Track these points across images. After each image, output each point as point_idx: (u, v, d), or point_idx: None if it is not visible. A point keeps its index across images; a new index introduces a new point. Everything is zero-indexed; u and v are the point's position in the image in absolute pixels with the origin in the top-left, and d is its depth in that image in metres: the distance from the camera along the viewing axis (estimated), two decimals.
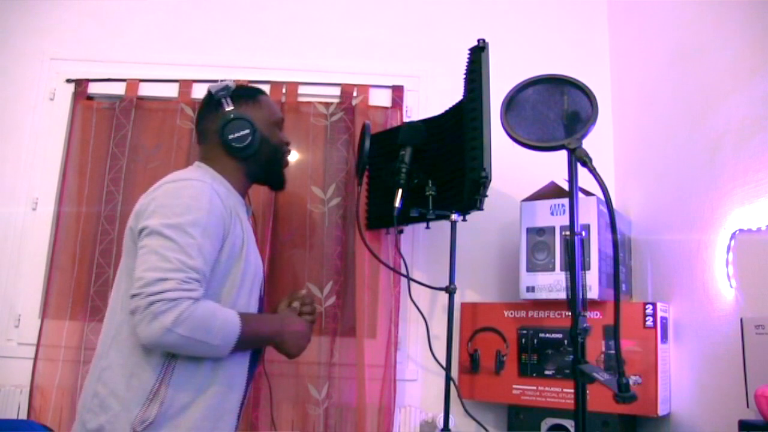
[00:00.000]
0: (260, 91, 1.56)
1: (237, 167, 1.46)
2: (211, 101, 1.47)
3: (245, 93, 1.50)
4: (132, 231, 1.31)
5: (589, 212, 1.74)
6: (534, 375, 1.80)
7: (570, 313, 1.24)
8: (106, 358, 1.29)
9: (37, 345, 2.02)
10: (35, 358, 2.00)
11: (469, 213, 1.77)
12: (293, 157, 2.23)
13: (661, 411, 1.65)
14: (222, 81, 1.47)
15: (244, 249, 1.38)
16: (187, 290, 1.19)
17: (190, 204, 1.28)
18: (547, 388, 1.78)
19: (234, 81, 1.50)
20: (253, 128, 1.43)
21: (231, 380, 1.33)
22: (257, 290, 1.44)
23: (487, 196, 1.69)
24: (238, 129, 1.42)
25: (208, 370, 1.29)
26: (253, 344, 1.38)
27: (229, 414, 1.33)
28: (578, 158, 1.23)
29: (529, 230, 1.84)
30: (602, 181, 1.18)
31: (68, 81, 2.26)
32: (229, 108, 1.44)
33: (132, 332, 1.25)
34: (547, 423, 1.77)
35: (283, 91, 2.22)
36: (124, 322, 1.30)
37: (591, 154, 1.22)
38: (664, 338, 1.71)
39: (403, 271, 1.96)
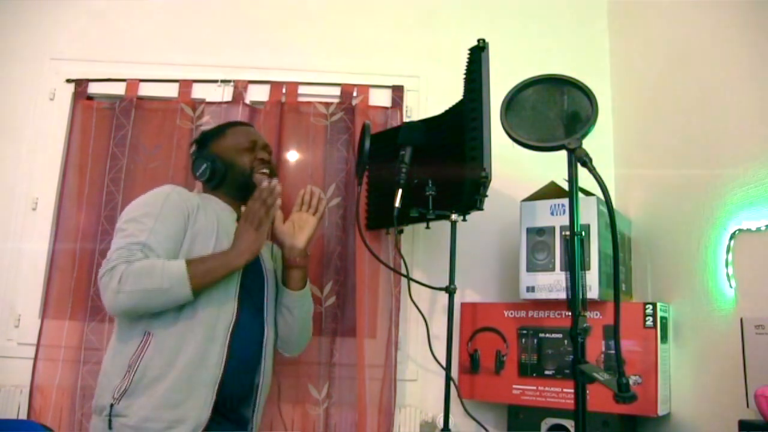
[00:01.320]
0: (231, 125, 1.76)
1: (221, 193, 1.66)
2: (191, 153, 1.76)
3: (211, 132, 1.73)
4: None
5: (589, 212, 1.74)
6: (534, 375, 1.80)
7: (570, 313, 1.24)
8: (105, 361, 1.50)
9: (37, 345, 2.02)
10: (35, 358, 2.00)
11: (469, 213, 1.77)
12: (293, 156, 2.23)
13: (661, 411, 1.65)
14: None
15: (214, 237, 1.51)
16: (125, 257, 1.38)
17: (146, 201, 1.50)
18: (547, 388, 1.78)
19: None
20: (210, 161, 1.62)
21: (201, 355, 1.43)
22: (234, 279, 1.52)
23: (487, 196, 1.69)
24: (197, 167, 1.64)
25: (177, 342, 1.41)
26: (212, 276, 1.45)
27: (202, 388, 1.42)
28: (578, 158, 1.23)
29: (529, 230, 1.84)
30: (602, 181, 1.18)
31: (68, 81, 2.26)
32: (192, 150, 1.76)
33: (118, 321, 1.48)
34: (547, 423, 1.77)
35: (283, 91, 2.22)
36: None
37: (591, 154, 1.22)
38: (664, 338, 1.71)
39: (403, 271, 1.96)
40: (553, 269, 1.77)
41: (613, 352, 1.69)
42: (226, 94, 2.24)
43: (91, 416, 1.45)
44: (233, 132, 1.71)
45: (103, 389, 1.43)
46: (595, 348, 1.72)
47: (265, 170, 1.67)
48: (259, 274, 1.63)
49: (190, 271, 1.39)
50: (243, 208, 1.66)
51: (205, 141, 1.70)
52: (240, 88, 2.22)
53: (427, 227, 1.89)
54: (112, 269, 1.37)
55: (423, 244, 2.17)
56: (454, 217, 1.76)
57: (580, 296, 1.24)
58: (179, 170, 2.14)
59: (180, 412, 1.37)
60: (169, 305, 1.41)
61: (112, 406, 1.37)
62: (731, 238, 1.49)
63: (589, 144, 1.26)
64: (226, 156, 1.65)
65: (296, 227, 1.71)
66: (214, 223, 1.54)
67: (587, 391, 1.23)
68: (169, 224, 1.46)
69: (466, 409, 1.81)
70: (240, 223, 1.53)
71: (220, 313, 1.47)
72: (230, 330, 1.48)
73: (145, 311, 1.41)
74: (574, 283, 1.24)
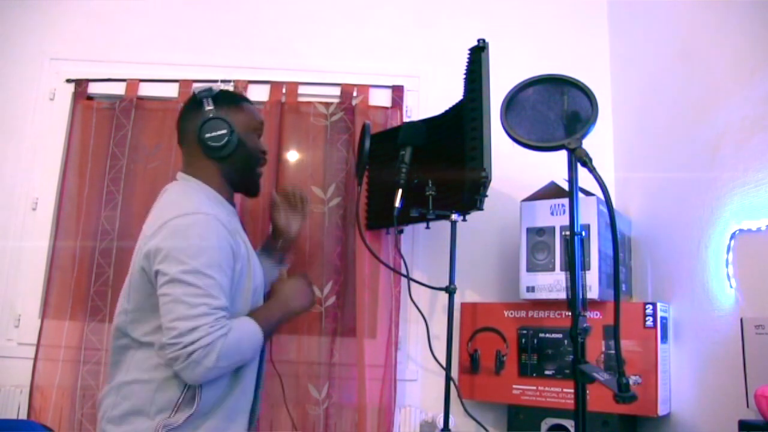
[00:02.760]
0: (244, 99, 1.64)
1: (215, 170, 1.51)
2: (193, 102, 1.52)
3: (227, 97, 1.57)
4: (145, 272, 1.37)
5: (589, 212, 1.74)
6: (534, 375, 1.80)
7: (570, 313, 1.24)
8: (126, 374, 1.39)
9: (37, 345, 2.02)
10: (35, 358, 2.00)
11: (469, 213, 1.77)
12: (293, 157, 2.23)
13: (661, 411, 1.65)
14: (206, 85, 1.54)
15: (250, 267, 1.47)
16: (219, 329, 1.29)
17: (201, 245, 1.33)
18: (547, 388, 1.77)
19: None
20: (230, 129, 1.47)
21: (245, 385, 1.45)
22: (261, 295, 1.56)
23: (487, 196, 1.69)
24: (215, 128, 1.46)
25: (227, 380, 1.40)
26: (273, 333, 1.51)
27: (242, 414, 1.44)
28: (578, 158, 1.23)
29: (529, 230, 1.84)
30: (602, 181, 1.18)
31: (68, 81, 2.26)
32: (209, 108, 1.48)
33: (154, 353, 1.37)
34: (547, 423, 1.77)
35: (283, 91, 2.22)
36: (139, 344, 1.40)
37: (591, 154, 1.22)
38: (664, 338, 1.71)
39: (403, 271, 1.96)
40: (553, 269, 1.77)
41: (613, 352, 1.69)
42: None
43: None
44: (248, 108, 1.58)
45: (137, 426, 1.34)
46: (595, 348, 1.72)
47: (263, 168, 1.62)
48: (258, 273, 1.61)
49: (264, 336, 1.41)
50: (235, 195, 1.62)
51: (218, 101, 1.52)
52: (240, 88, 2.22)
53: (427, 227, 1.89)
54: (209, 346, 1.27)
55: (423, 244, 2.17)
56: (454, 217, 1.76)
57: (580, 296, 1.24)
58: (179, 170, 2.14)
59: None
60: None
61: None
62: (731, 238, 1.49)
63: (589, 144, 1.26)
64: (241, 132, 1.52)
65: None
66: (248, 247, 1.51)
67: (587, 391, 1.23)
68: (228, 271, 1.37)
69: (466, 409, 1.81)
70: (302, 281, 1.62)
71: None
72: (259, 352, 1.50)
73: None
74: (574, 283, 1.24)
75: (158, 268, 1.32)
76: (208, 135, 1.46)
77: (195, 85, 1.53)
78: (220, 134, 1.46)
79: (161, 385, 1.35)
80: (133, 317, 1.40)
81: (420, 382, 2.08)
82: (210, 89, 1.51)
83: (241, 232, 1.51)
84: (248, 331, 1.39)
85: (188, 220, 1.36)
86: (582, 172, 1.26)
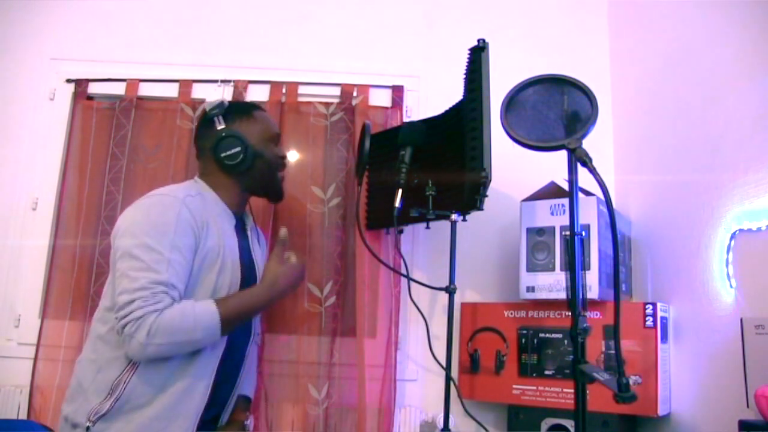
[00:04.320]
0: (255, 107, 1.62)
1: (232, 183, 1.53)
2: (206, 119, 1.53)
3: (238, 110, 1.57)
4: (112, 249, 1.39)
5: (589, 212, 1.74)
6: (534, 375, 1.80)
7: (570, 313, 1.24)
8: (84, 350, 1.42)
9: (37, 345, 2.02)
10: (35, 358, 2.00)
11: (469, 213, 1.77)
12: (293, 157, 2.23)
13: (661, 411, 1.65)
14: (216, 99, 1.53)
15: (218, 261, 1.42)
16: (153, 304, 1.27)
17: (156, 221, 1.35)
18: (547, 388, 1.77)
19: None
20: (244, 145, 1.48)
21: (191, 385, 1.36)
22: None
23: (487, 196, 1.69)
24: (229, 147, 1.48)
25: (171, 370, 1.35)
26: (244, 319, 1.43)
27: (184, 418, 1.36)
28: (578, 158, 1.23)
29: (529, 230, 1.84)
30: (602, 181, 1.18)
31: (68, 81, 2.26)
32: (221, 126, 1.50)
33: (103, 330, 1.38)
34: (547, 423, 1.77)
35: (283, 91, 2.22)
36: (98, 321, 1.41)
37: (591, 154, 1.22)
38: (664, 338, 1.71)
39: (403, 271, 1.96)
40: (553, 269, 1.77)
41: (613, 352, 1.69)
42: (226, 94, 2.23)
43: (60, 419, 1.38)
44: (261, 117, 1.58)
45: (78, 405, 1.34)
46: (595, 348, 1.72)
47: (283, 172, 1.62)
48: (255, 278, 1.57)
49: (221, 318, 1.33)
50: (248, 207, 1.64)
51: (228, 117, 1.53)
52: (240, 88, 2.22)
53: (427, 227, 1.89)
54: (140, 319, 1.25)
55: (423, 244, 2.17)
56: (454, 217, 1.76)
57: (580, 296, 1.24)
58: (179, 170, 2.14)
59: None
60: (198, 348, 1.36)
61: (88, 429, 1.30)
62: (731, 238, 1.49)
63: (589, 144, 1.26)
64: (256, 144, 1.52)
65: None
66: (224, 245, 1.45)
67: (587, 391, 1.23)
68: (185, 252, 1.35)
69: (466, 409, 1.81)
70: (294, 267, 1.50)
71: (215, 345, 1.41)
72: (220, 359, 1.43)
73: (174, 355, 1.34)
74: (574, 283, 1.24)
75: (117, 244, 1.36)
76: (223, 154, 1.48)
77: (207, 101, 1.53)
78: (235, 152, 1.48)
79: (103, 364, 1.35)
80: (106, 291, 1.44)
81: (420, 382, 2.08)
82: (221, 104, 1.52)
83: (224, 230, 1.47)
84: (197, 310, 1.31)
85: (152, 200, 1.40)
86: (582, 172, 1.26)
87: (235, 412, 1.58)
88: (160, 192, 1.42)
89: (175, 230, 1.34)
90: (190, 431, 1.37)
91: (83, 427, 1.31)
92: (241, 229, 1.59)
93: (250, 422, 1.62)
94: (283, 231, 1.51)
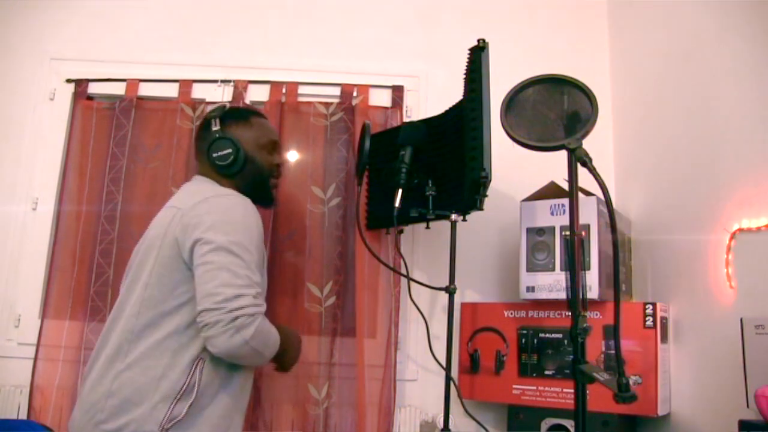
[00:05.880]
0: (254, 113, 1.64)
1: (228, 183, 1.53)
2: (204, 122, 1.58)
3: (235, 114, 1.60)
4: (178, 242, 1.34)
5: (589, 212, 1.74)
6: (534, 375, 1.80)
7: (570, 313, 1.24)
8: (126, 359, 1.32)
9: (37, 345, 2.02)
10: (35, 358, 2.00)
11: (469, 213, 1.77)
12: (293, 156, 2.23)
13: (661, 411, 1.65)
14: (220, 104, 1.58)
15: (264, 267, 1.47)
16: (259, 305, 1.28)
17: (245, 222, 1.37)
18: (547, 388, 1.77)
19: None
20: (236, 148, 1.51)
21: (245, 381, 1.42)
22: None
23: (487, 196, 1.69)
24: (221, 148, 1.51)
25: (227, 370, 1.37)
26: (273, 353, 1.42)
27: (241, 412, 1.42)
28: (578, 158, 1.23)
29: (529, 230, 1.84)
30: (602, 181, 1.18)
31: (68, 81, 2.26)
32: (216, 128, 1.53)
33: (158, 336, 1.32)
34: (547, 423, 1.77)
35: (283, 91, 2.22)
36: (148, 326, 1.33)
37: (591, 154, 1.22)
38: (664, 338, 1.71)
39: (403, 271, 1.96)
40: (553, 269, 1.77)
41: (613, 352, 1.69)
42: (226, 94, 2.24)
43: None
44: (258, 124, 1.60)
45: (141, 415, 1.27)
46: (595, 348, 1.72)
47: (277, 179, 1.63)
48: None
49: (279, 349, 1.40)
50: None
51: (225, 120, 1.55)
52: (240, 88, 2.22)
53: (427, 227, 1.89)
54: (254, 318, 1.25)
55: (423, 244, 2.17)
56: (454, 217, 1.76)
57: (580, 296, 1.24)
58: (179, 170, 2.14)
59: None
60: (251, 365, 1.42)
61: None
62: (731, 238, 1.49)
63: (589, 144, 1.26)
64: (249, 149, 1.54)
65: None
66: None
67: (587, 391, 1.23)
68: (261, 257, 1.40)
69: (466, 409, 1.81)
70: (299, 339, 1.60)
71: None
72: None
73: (241, 363, 1.36)
74: (574, 283, 1.24)
75: (202, 236, 1.30)
76: (215, 155, 1.51)
77: (209, 107, 1.56)
78: (226, 153, 1.50)
79: (166, 371, 1.30)
80: (151, 293, 1.35)
81: (420, 382, 2.08)
82: (222, 108, 1.58)
83: None
84: (275, 334, 1.36)
85: (230, 200, 1.41)
86: (582, 172, 1.26)
87: None
88: (228, 192, 1.44)
89: (257, 233, 1.38)
90: (242, 428, 1.43)
91: None
92: None
93: None
94: None
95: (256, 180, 1.56)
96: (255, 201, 1.60)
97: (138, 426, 1.26)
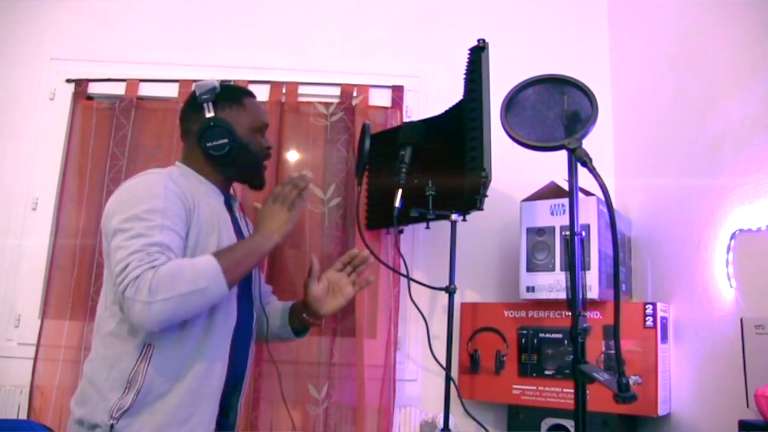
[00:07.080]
0: (246, 93, 1.56)
1: (215, 170, 1.49)
2: (194, 102, 1.48)
3: (229, 96, 1.50)
4: (104, 234, 1.35)
5: (589, 212, 1.74)
6: (534, 375, 1.80)
7: (570, 313, 1.24)
8: (90, 353, 1.37)
9: (37, 345, 2.02)
10: (35, 358, 2.00)
11: (469, 213, 1.77)
12: (293, 156, 2.23)
13: (661, 411, 1.65)
14: (208, 80, 1.46)
15: (216, 230, 1.39)
16: (148, 262, 1.21)
17: (143, 194, 1.31)
18: (547, 388, 1.78)
19: (219, 81, 1.48)
20: (231, 136, 1.43)
21: (209, 367, 1.34)
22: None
23: (487, 196, 1.69)
24: (216, 137, 1.43)
25: (186, 354, 1.32)
26: (244, 266, 1.36)
27: (208, 400, 1.35)
28: (578, 158, 1.23)
29: (529, 230, 1.84)
30: (602, 181, 1.18)
31: (68, 81, 2.26)
32: (210, 114, 1.44)
33: (112, 325, 1.33)
34: (547, 423, 1.77)
35: (283, 91, 2.22)
36: (103, 317, 1.37)
37: (591, 154, 1.22)
38: (664, 338, 1.71)
39: (403, 271, 1.96)
40: (553, 269, 1.77)
41: (613, 352, 1.69)
42: None
43: (70, 424, 1.32)
44: (251, 106, 1.52)
45: (94, 405, 1.28)
46: (595, 348, 1.72)
47: (268, 158, 1.58)
48: None
49: (222, 265, 1.27)
50: (232, 190, 1.60)
51: (218, 104, 1.46)
52: None
53: (427, 227, 1.89)
54: (137, 278, 1.19)
55: (423, 244, 2.17)
56: (454, 217, 1.76)
57: (580, 296, 1.24)
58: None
59: (186, 428, 1.30)
60: (206, 307, 1.30)
61: (112, 426, 1.25)
62: (731, 238, 1.49)
63: (589, 144, 1.26)
64: (243, 135, 1.47)
65: (330, 291, 1.60)
66: (219, 219, 1.42)
67: (587, 391, 1.23)
68: (177, 220, 1.31)
69: (466, 409, 1.80)
70: (267, 204, 1.43)
71: (227, 319, 1.39)
72: (231, 336, 1.40)
73: (182, 318, 1.27)
74: (574, 283, 1.24)
75: (108, 226, 1.30)
76: (209, 144, 1.43)
77: (195, 84, 1.48)
78: (221, 143, 1.43)
79: (116, 359, 1.30)
80: (105, 288, 1.39)
81: (420, 382, 2.08)
82: (213, 89, 1.46)
83: (213, 205, 1.44)
84: (194, 262, 1.27)
85: (137, 179, 1.37)
86: (582, 172, 1.26)
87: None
88: (142, 173, 1.39)
89: (164, 200, 1.30)
90: (214, 415, 1.36)
91: (106, 426, 1.26)
92: (230, 207, 1.55)
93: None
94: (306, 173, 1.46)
95: (250, 165, 1.52)
96: (245, 182, 1.59)
97: (91, 416, 1.28)
